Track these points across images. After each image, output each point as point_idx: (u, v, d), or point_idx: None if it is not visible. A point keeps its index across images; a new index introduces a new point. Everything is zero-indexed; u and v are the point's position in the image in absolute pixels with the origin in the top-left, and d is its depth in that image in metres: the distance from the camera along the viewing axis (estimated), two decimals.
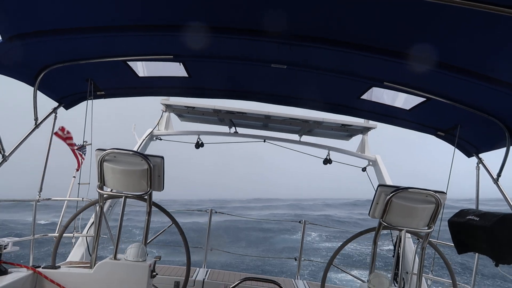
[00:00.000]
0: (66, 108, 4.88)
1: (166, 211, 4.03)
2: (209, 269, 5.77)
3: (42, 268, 3.33)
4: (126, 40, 3.20)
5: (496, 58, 2.63)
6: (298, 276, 6.28)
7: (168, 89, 4.89)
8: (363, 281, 3.77)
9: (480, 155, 4.60)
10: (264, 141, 7.57)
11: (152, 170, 3.46)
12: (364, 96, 4.17)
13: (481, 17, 2.10)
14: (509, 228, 3.33)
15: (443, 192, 3.53)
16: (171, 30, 2.91)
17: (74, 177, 5.69)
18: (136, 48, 3.45)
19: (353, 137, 7.78)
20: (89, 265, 3.61)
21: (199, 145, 7.69)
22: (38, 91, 3.94)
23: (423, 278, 5.36)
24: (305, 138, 7.84)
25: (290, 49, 3.09)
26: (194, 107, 6.92)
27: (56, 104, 4.70)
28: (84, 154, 5.68)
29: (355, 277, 4.30)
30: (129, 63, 3.82)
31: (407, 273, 5.60)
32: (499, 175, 4.10)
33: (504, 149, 3.96)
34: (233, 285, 3.42)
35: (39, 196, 4.90)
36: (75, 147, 5.53)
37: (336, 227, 23.47)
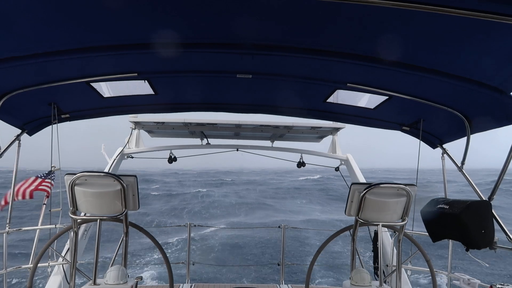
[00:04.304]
0: (30, 134, 4.73)
1: (144, 230, 3.97)
2: (193, 284, 5.72)
3: None
4: (88, 61, 3.15)
5: (449, 55, 2.77)
6: (282, 281, 6.31)
7: (135, 107, 4.84)
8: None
9: (444, 146, 4.80)
10: (237, 150, 7.59)
11: (126, 190, 3.41)
12: (330, 99, 4.28)
13: (431, 19, 2.23)
14: (476, 214, 3.50)
15: (413, 185, 3.67)
16: (133, 48, 2.90)
17: (45, 204, 5.51)
18: (98, 69, 3.41)
19: (324, 138, 7.93)
20: None
21: (172, 159, 7.63)
22: None
23: (403, 269, 5.52)
24: (277, 144, 7.93)
25: (253, 58, 3.14)
26: (163, 122, 6.87)
27: (19, 131, 4.57)
28: (53, 180, 5.52)
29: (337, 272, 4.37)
30: (93, 84, 3.76)
31: (387, 266, 5.74)
32: (463, 163, 4.28)
33: (465, 138, 4.15)
34: None
35: (8, 227, 4.72)
36: (39, 181, 5.38)
37: (316, 228, 23.64)
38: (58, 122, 4.52)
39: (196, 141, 7.60)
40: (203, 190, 52.30)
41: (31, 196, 5.33)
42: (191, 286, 5.54)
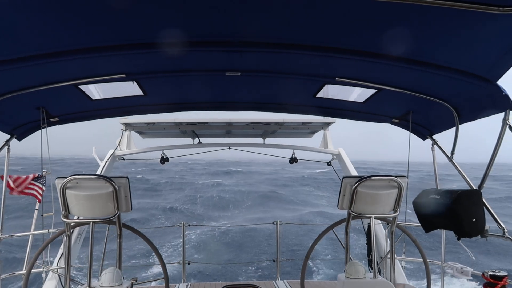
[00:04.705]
0: (19, 139, 4.69)
1: (138, 231, 3.96)
2: (189, 283, 5.71)
3: None
4: (74, 64, 3.12)
5: (436, 47, 2.80)
6: (279, 277, 6.34)
7: (125, 109, 4.81)
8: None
9: (434, 137, 4.85)
10: (229, 148, 7.59)
11: (118, 192, 3.39)
12: (320, 94, 4.29)
13: (417, 11, 2.25)
14: (467, 203, 3.54)
15: (404, 176, 3.70)
16: (120, 49, 2.88)
17: (37, 209, 5.47)
18: (86, 71, 3.38)
19: (316, 134, 7.96)
20: None
21: (164, 160, 7.60)
22: None
23: (397, 260, 5.58)
24: (269, 140, 7.94)
25: (241, 56, 3.14)
26: (154, 123, 6.84)
27: (7, 136, 4.52)
28: (44, 185, 5.47)
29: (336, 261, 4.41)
30: (81, 86, 3.73)
31: (381, 258, 5.80)
32: (452, 153, 4.33)
33: (454, 128, 4.20)
34: None
35: (1, 234, 4.67)
36: (29, 183, 5.34)
37: (310, 223, 23.77)
38: (47, 126, 4.47)
39: (188, 140, 7.57)
40: (214, 180, 52.99)
41: (18, 194, 5.31)
42: (187, 286, 5.54)
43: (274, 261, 6.66)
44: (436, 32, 2.56)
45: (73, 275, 3.85)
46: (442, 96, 3.86)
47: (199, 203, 35.84)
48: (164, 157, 7.59)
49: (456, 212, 3.51)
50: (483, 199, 3.67)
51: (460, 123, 4.12)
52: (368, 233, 5.93)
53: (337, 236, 3.99)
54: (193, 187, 46.40)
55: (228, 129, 7.28)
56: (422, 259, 4.14)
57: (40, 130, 4.51)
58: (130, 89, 3.97)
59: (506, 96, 3.17)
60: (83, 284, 3.49)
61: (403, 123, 4.97)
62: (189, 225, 6.76)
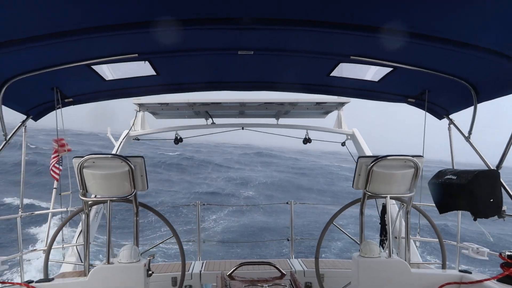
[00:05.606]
0: (35, 119, 4.76)
1: (154, 210, 4.03)
2: (205, 261, 5.82)
3: (36, 282, 3.30)
4: (87, 43, 3.12)
5: (455, 21, 2.70)
6: (293, 255, 6.41)
7: (138, 89, 4.83)
8: (358, 243, 3.89)
9: (450, 116, 4.74)
10: (243, 129, 7.60)
11: (133, 171, 3.44)
12: (334, 73, 4.22)
13: None
14: (484, 183, 3.48)
15: (420, 156, 3.65)
16: (132, 28, 2.86)
17: (55, 188, 5.61)
18: (98, 51, 3.38)
19: (330, 114, 7.89)
20: (83, 274, 3.60)
21: (177, 140, 7.67)
22: (3, 106, 3.83)
23: (411, 241, 5.56)
24: (282, 121, 7.91)
25: (254, 33, 3.08)
26: (168, 103, 6.87)
27: (24, 117, 4.60)
28: (61, 165, 5.59)
29: (352, 238, 4.44)
30: (94, 67, 3.74)
31: (395, 238, 5.79)
32: (470, 132, 4.24)
33: (472, 107, 4.10)
34: (230, 272, 3.47)
35: (21, 211, 4.82)
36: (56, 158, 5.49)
37: (324, 203, 23.83)
38: (62, 107, 4.53)
39: (201, 121, 7.60)
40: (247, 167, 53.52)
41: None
42: (202, 263, 5.65)
43: (288, 240, 6.72)
44: (455, 7, 2.47)
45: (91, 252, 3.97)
46: (460, 74, 3.75)
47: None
48: (178, 137, 7.65)
49: (473, 193, 3.46)
50: (501, 179, 3.60)
51: (479, 102, 4.01)
52: (382, 214, 5.91)
53: (361, 214, 3.98)
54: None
55: (241, 109, 7.26)
56: (437, 239, 4.12)
57: (55, 111, 4.57)
58: (143, 69, 3.97)
59: None
60: (102, 260, 3.59)
61: (418, 103, 4.86)
62: (204, 205, 6.84)
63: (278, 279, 3.31)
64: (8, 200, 22.25)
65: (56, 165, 5.50)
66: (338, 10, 2.70)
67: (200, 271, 5.26)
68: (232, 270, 3.48)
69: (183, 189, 33.31)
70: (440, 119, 4.91)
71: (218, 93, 6.14)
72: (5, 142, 4.08)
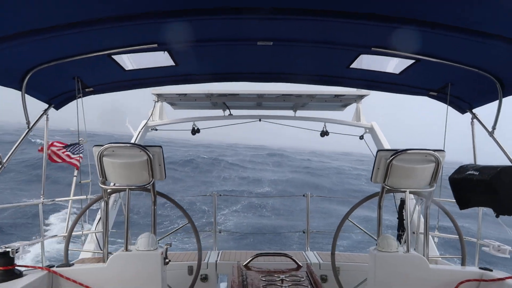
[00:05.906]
0: (57, 108, 4.85)
1: (172, 199, 4.07)
2: (220, 251, 5.86)
3: (56, 267, 3.39)
4: (108, 33, 3.16)
5: (481, 12, 2.61)
6: (308, 248, 6.39)
7: (157, 80, 4.86)
8: (375, 238, 3.85)
9: (473, 110, 4.62)
10: (260, 120, 7.58)
11: (152, 160, 3.48)
12: (354, 65, 4.15)
13: None
14: (507, 180, 3.39)
15: (441, 150, 3.57)
16: (152, 17, 2.87)
17: (75, 176, 5.74)
18: (119, 40, 3.41)
19: (348, 107, 7.79)
20: (101, 260, 3.68)
21: (195, 131, 7.71)
22: (26, 95, 3.92)
23: (430, 236, 5.48)
24: (300, 113, 7.86)
25: (273, 23, 3.05)
26: (186, 94, 6.90)
27: (46, 105, 4.69)
28: (82, 152, 5.70)
29: (368, 234, 4.39)
30: (114, 57, 3.77)
31: (413, 233, 5.71)
32: (494, 127, 4.12)
33: (497, 102, 3.97)
34: (246, 262, 3.48)
35: (43, 198, 4.94)
36: (67, 151, 5.55)
37: (341, 196, 23.68)
38: (83, 96, 4.60)
39: (219, 112, 7.62)
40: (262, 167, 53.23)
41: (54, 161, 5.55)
42: (218, 253, 5.69)
43: (304, 232, 6.71)
44: None
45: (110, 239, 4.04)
46: (485, 66, 3.63)
47: None
48: (195, 128, 7.69)
49: (495, 189, 3.37)
50: None
51: (504, 96, 3.88)
52: (400, 208, 5.83)
53: (353, 223, 4.00)
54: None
55: (259, 101, 7.24)
56: (457, 236, 4.04)
57: (76, 100, 4.65)
58: (162, 59, 3.99)
59: None
60: (121, 248, 3.66)
61: (440, 96, 4.74)
62: (220, 195, 6.89)
63: (295, 270, 3.31)
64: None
65: (67, 153, 5.57)
66: (360, 0, 2.64)
67: (216, 261, 5.30)
68: (248, 260, 3.49)
69: (196, 186, 33.56)
70: (462, 113, 4.79)
71: (236, 84, 6.14)
72: (28, 130, 4.18)
